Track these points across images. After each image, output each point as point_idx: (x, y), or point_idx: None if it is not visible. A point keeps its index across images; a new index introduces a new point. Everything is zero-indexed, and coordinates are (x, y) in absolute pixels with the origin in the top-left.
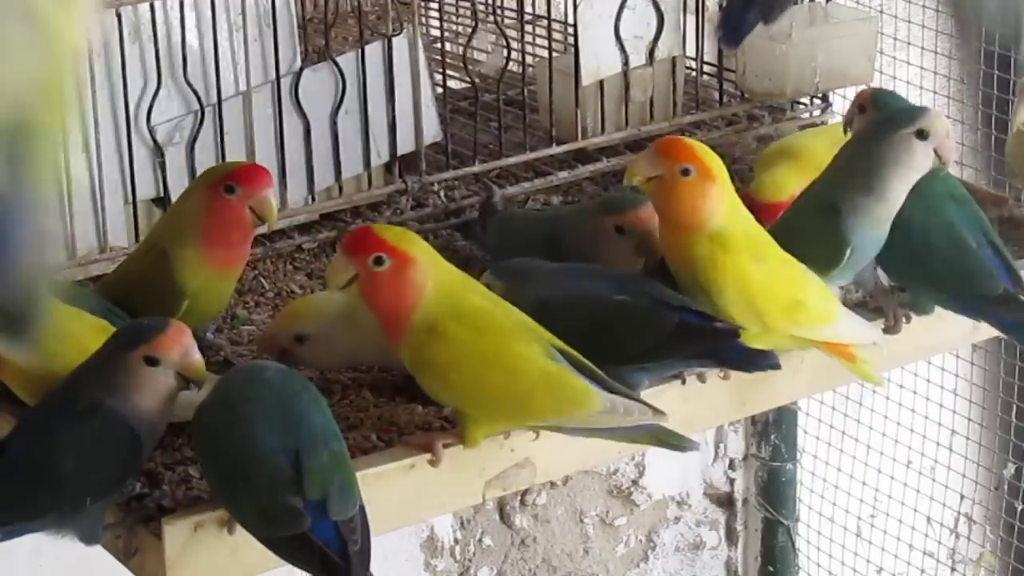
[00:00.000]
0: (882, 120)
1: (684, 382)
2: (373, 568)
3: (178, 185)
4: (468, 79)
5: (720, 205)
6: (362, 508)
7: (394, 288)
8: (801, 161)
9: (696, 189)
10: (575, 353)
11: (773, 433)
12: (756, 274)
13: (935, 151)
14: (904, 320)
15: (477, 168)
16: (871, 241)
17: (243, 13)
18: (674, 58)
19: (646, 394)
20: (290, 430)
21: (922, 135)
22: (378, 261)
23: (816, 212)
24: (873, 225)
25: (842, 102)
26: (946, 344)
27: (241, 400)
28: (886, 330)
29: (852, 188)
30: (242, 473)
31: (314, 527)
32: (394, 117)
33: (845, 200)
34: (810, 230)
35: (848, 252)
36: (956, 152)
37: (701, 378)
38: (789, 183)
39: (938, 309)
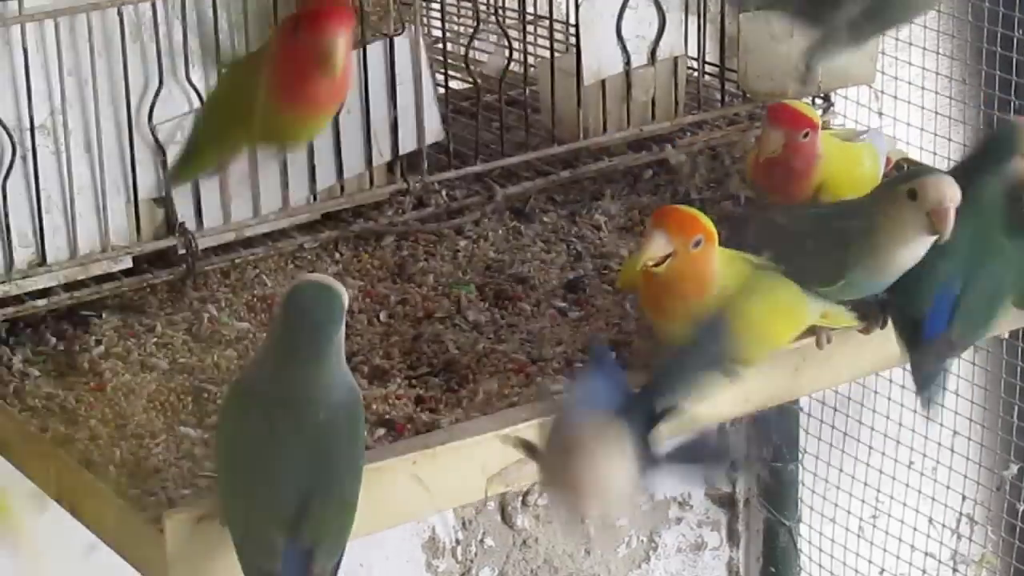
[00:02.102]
0: (903, 171)
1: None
2: (374, 568)
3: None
4: (470, 79)
5: (718, 262)
6: (342, 553)
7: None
8: None
9: (707, 256)
10: None
11: (774, 433)
12: (759, 315)
13: (928, 215)
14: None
15: (479, 168)
16: (867, 284)
17: (244, 12)
18: (676, 58)
19: None
20: (315, 470)
21: (912, 195)
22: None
23: (829, 231)
24: (870, 273)
25: (843, 102)
26: None
27: (284, 424)
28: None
29: (862, 225)
30: (247, 486)
31: (286, 568)
32: (396, 117)
33: (853, 235)
34: (820, 245)
35: (840, 283)
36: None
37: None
38: None
39: None
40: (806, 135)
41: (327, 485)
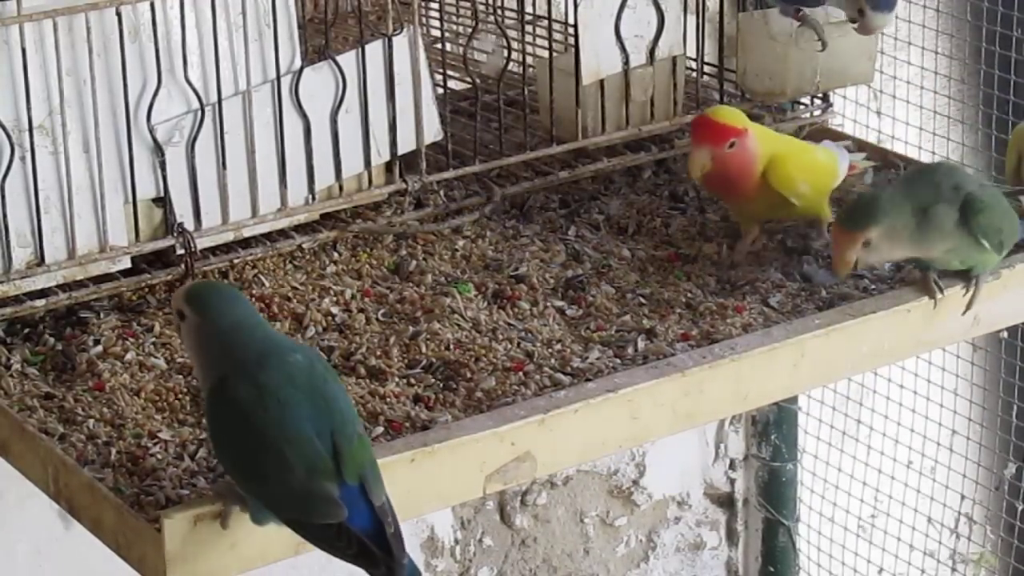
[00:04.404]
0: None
1: None
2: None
3: (178, 184)
4: (469, 79)
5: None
6: (385, 491)
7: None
8: None
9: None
10: None
11: (773, 433)
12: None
13: None
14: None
15: (477, 168)
16: None
17: (243, 12)
18: (675, 58)
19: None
20: (324, 412)
21: None
22: (731, 145)
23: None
24: None
25: (842, 102)
26: (946, 338)
27: (273, 380)
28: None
29: None
30: (275, 455)
31: (350, 514)
32: (395, 116)
33: None
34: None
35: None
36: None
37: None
38: None
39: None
40: (732, 145)
41: (344, 423)
